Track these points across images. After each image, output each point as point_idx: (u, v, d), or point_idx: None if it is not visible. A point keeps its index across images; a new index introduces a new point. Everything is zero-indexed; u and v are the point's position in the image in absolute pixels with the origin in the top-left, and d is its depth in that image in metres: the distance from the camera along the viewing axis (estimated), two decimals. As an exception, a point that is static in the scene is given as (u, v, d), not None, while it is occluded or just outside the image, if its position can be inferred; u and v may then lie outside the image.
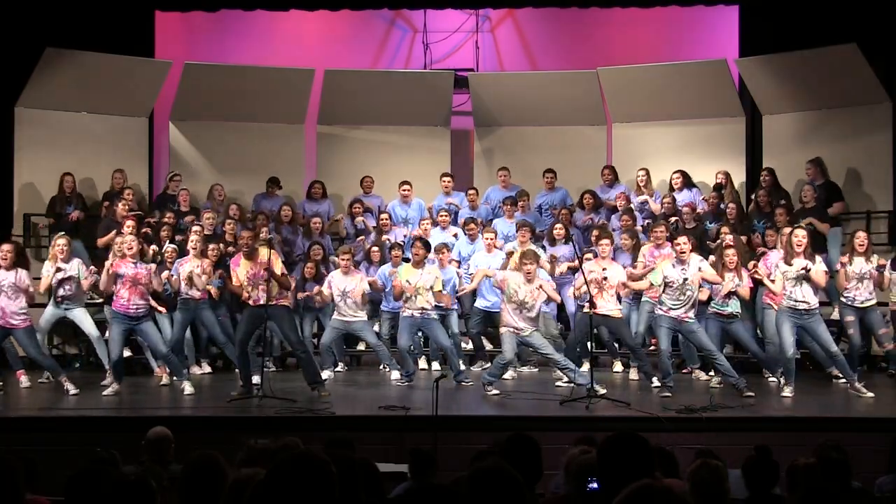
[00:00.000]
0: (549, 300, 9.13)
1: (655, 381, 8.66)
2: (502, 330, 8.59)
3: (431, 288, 9.13)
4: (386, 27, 13.72)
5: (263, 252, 8.41)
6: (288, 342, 8.92)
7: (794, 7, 11.67)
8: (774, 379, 8.98)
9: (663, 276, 8.41)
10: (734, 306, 8.75)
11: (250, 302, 8.46)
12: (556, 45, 13.63)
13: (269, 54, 13.03)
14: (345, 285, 9.45)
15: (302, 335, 9.36)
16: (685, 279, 8.32)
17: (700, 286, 8.44)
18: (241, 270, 8.49)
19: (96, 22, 11.59)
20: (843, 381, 8.62)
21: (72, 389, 8.47)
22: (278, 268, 8.44)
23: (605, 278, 8.65)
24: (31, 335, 8.63)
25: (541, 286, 8.49)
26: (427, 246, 9.48)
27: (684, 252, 8.41)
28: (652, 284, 8.58)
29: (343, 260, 9.61)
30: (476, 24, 13.54)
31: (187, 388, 8.59)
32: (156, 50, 12.58)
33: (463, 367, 9.33)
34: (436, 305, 9.24)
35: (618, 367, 9.91)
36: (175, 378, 8.81)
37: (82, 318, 9.22)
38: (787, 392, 8.32)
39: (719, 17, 12.91)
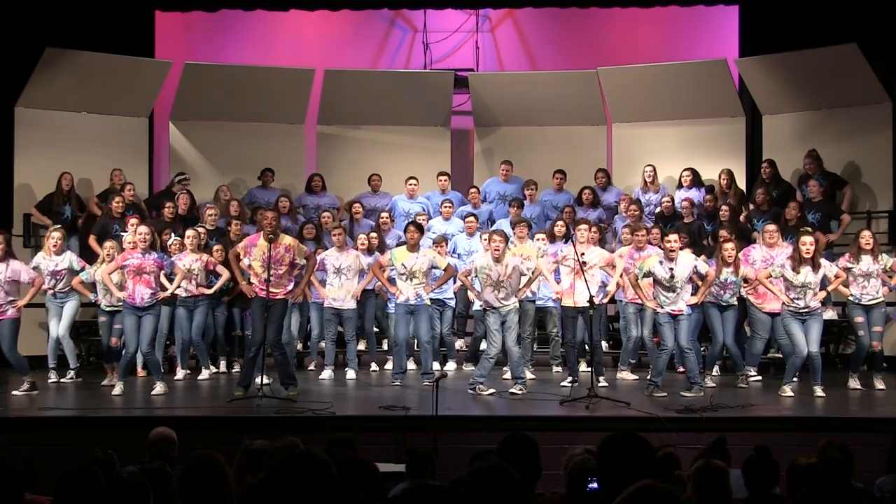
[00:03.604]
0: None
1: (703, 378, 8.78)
2: (488, 320, 8.57)
3: (427, 271, 9.09)
4: (386, 27, 13.73)
5: (287, 239, 8.46)
6: (268, 337, 8.31)
7: (794, 7, 11.66)
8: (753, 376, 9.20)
9: (650, 270, 8.47)
10: (729, 299, 8.95)
11: (254, 289, 8.39)
12: (556, 45, 13.64)
13: (269, 54, 13.05)
14: (340, 262, 9.50)
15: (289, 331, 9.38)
16: (672, 276, 8.38)
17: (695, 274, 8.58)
18: (257, 251, 8.35)
19: (96, 22, 11.59)
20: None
21: (22, 392, 8.52)
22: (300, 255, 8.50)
23: (584, 263, 8.59)
24: (14, 327, 8.70)
25: (514, 267, 8.53)
26: (420, 229, 9.43)
27: (674, 250, 8.44)
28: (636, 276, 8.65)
29: (336, 236, 9.60)
30: (476, 24, 13.55)
31: (158, 387, 8.50)
32: (156, 50, 12.59)
33: (437, 367, 9.39)
34: (433, 299, 9.29)
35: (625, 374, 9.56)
36: (154, 375, 8.72)
37: (66, 313, 9.27)
38: (787, 392, 8.38)
39: (719, 17, 12.92)
